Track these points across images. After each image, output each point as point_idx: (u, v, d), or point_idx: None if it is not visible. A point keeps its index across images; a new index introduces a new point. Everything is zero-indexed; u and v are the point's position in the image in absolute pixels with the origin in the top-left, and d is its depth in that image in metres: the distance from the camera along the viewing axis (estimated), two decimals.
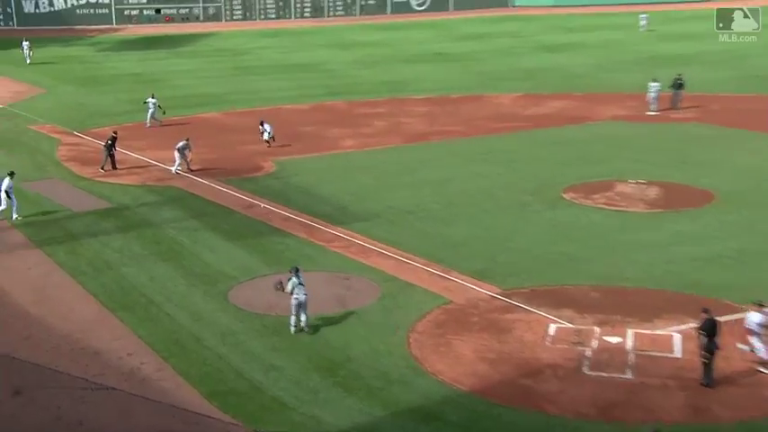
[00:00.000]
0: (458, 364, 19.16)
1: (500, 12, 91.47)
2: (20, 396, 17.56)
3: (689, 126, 42.46)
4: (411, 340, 20.25)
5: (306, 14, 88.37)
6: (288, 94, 52.15)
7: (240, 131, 39.73)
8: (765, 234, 27.24)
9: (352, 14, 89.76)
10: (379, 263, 24.89)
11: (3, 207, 28.97)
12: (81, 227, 28.53)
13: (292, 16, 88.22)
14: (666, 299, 22.35)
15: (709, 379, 18.19)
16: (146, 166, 35.84)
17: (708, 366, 18.20)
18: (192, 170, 34.60)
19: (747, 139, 39.63)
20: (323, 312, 21.44)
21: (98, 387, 17.79)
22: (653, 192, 31.60)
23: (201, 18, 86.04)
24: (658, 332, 20.43)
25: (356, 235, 27.08)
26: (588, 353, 19.59)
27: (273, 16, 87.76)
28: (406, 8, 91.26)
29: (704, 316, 18.50)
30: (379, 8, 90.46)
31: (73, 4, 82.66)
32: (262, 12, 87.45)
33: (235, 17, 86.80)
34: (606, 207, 29.99)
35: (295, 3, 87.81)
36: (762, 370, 18.67)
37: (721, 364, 18.54)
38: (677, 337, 20.06)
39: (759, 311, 18.88)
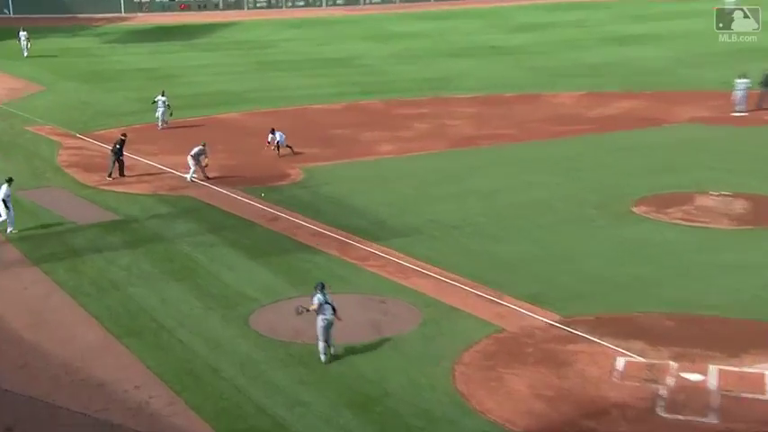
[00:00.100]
0: (510, 401, 19.07)
1: None
2: None
3: None
4: (456, 373, 20.20)
5: (338, 1, 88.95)
6: (317, 93, 52.49)
7: (263, 135, 40.00)
8: None
9: (390, 1, 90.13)
10: (420, 284, 24.90)
11: (2, 218, 29.37)
12: (84, 241, 28.89)
13: (323, 3, 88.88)
14: (756, 330, 22.06)
15: None
16: (157, 174, 36.26)
17: None
18: (208, 178, 34.95)
19: None
20: (356, 340, 21.46)
21: (101, 424, 17.94)
22: (739, 205, 31.31)
23: (221, 6, 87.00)
24: (747, 369, 20.14)
25: (394, 252, 27.12)
26: (663, 392, 19.38)
27: (302, 4, 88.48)
28: None
29: None
30: None
31: None
32: None
33: (258, 5, 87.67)
34: (683, 223, 29.76)
35: None
36: None
37: None
38: None
39: None
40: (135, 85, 54.34)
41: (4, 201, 29.26)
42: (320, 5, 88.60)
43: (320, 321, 20.50)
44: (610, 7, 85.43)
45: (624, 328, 22.04)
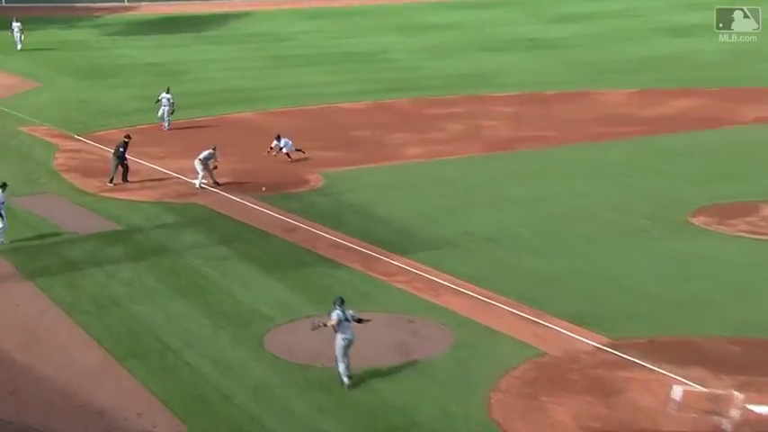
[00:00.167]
0: None
1: None
2: None
3: None
4: (492, 401, 20.12)
5: None
6: (339, 91, 52.64)
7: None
8: None
9: None
10: (453, 302, 24.84)
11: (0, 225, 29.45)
12: (82, 254, 28.99)
13: None
14: None
15: None
16: (163, 179, 36.42)
17: None
18: (218, 184, 35.04)
19: None
20: (381, 363, 21.41)
21: None
22: None
23: None
24: None
25: (423, 267, 27.08)
26: (726, 425, 19.20)
27: None
28: None
29: None
30: None
31: None
32: None
33: None
34: (748, 235, 29.62)
35: None
36: None
37: None
38: None
39: None
40: (139, 82, 54.70)
41: None
42: None
43: (339, 340, 20.43)
44: None
45: (681, 353, 21.88)
